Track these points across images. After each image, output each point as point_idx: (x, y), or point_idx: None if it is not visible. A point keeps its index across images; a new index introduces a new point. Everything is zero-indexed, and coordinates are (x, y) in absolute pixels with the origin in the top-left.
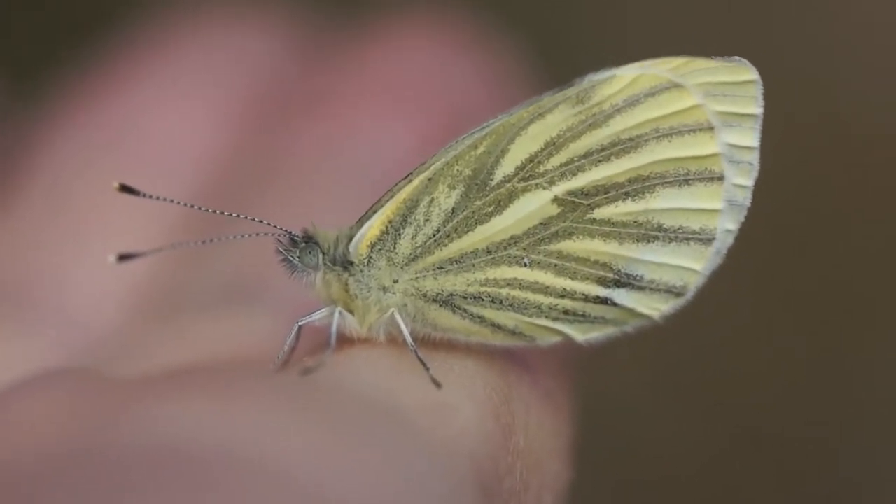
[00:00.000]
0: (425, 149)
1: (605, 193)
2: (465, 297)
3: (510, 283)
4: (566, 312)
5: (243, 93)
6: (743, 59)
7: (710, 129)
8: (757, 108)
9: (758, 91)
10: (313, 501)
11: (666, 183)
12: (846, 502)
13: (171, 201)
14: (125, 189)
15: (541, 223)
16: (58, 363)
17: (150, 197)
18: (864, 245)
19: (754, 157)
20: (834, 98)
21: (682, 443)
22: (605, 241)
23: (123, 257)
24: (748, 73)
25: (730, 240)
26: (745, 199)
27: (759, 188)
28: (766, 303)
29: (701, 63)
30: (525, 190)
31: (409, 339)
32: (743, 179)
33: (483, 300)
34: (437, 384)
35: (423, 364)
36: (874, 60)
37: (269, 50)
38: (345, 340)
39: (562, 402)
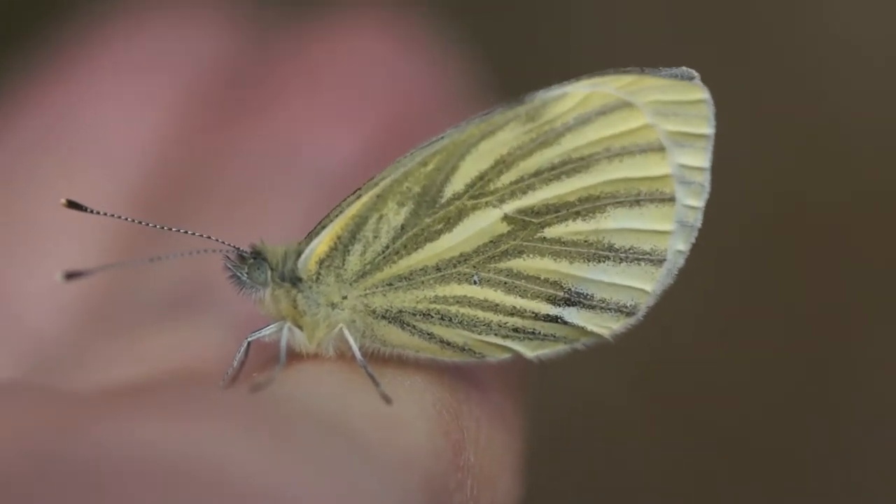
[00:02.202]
0: (372, 153)
1: (556, 212)
2: (414, 314)
3: (459, 301)
4: (516, 330)
5: (189, 89)
6: (691, 70)
7: (662, 149)
8: (709, 129)
9: (709, 111)
10: None
11: (617, 203)
12: None
13: (119, 217)
14: (73, 205)
15: (491, 241)
16: (6, 370)
17: (98, 213)
18: (850, 249)
19: (705, 179)
20: (824, 103)
21: (666, 449)
22: (555, 259)
23: (71, 275)
24: (699, 91)
25: (681, 260)
26: (696, 220)
27: (745, 193)
28: (751, 308)
29: (651, 81)
30: (475, 208)
31: (358, 354)
32: (693, 201)
33: (432, 317)
34: (388, 399)
35: (374, 379)
36: (867, 63)
37: (216, 46)
38: (294, 356)
39: (512, 417)
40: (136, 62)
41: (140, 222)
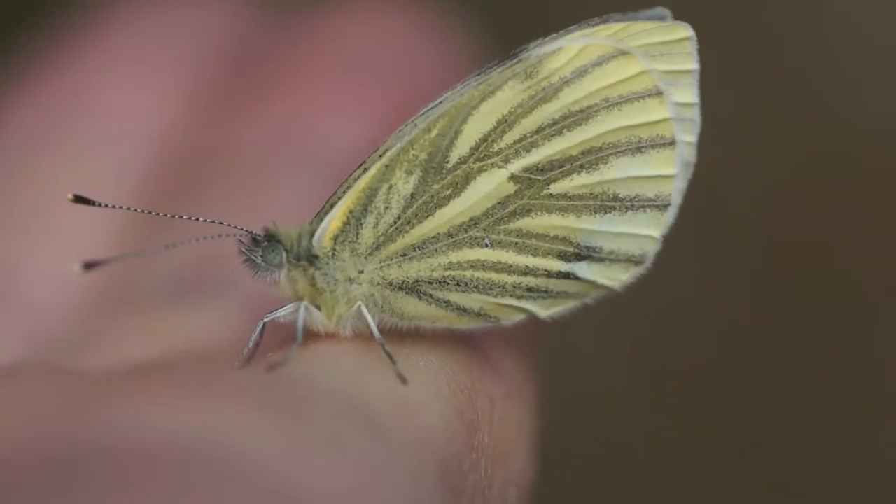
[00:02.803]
0: (380, 138)
1: (560, 168)
2: (430, 283)
3: (473, 265)
4: (530, 290)
5: (194, 74)
6: (665, 10)
7: (659, 94)
8: (694, 64)
9: (692, 47)
10: (280, 498)
11: (619, 152)
12: (830, 495)
13: (128, 209)
14: (79, 200)
15: (499, 202)
16: (17, 352)
17: (105, 205)
18: (852, 239)
19: (696, 113)
20: (827, 99)
21: (666, 433)
22: (562, 215)
23: (88, 266)
24: (683, 30)
25: (678, 198)
26: (691, 155)
27: (750, 186)
28: (753, 296)
29: (639, 25)
30: (481, 170)
31: (376, 332)
32: (687, 136)
33: (448, 284)
34: (403, 380)
35: (391, 358)
36: (867, 62)
37: (221, 31)
38: (310, 336)
39: (525, 397)
40: (141, 48)
41: (149, 212)
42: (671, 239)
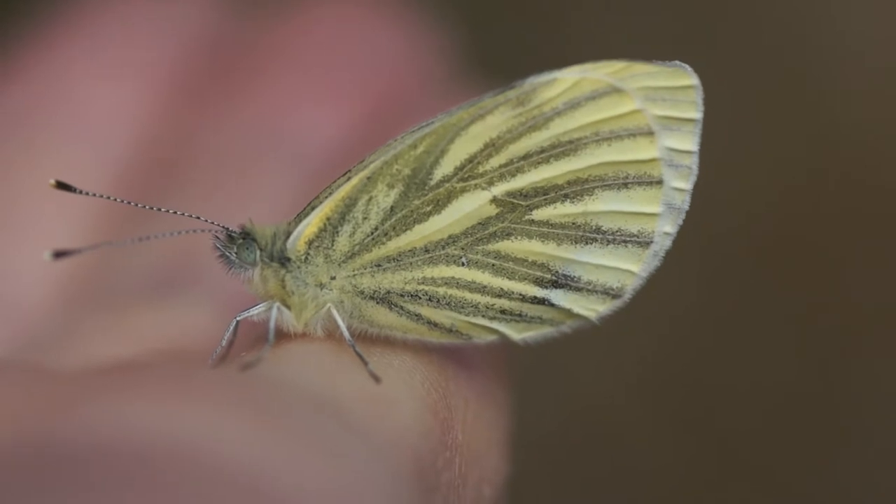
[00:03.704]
0: (356, 133)
1: (544, 195)
2: (402, 295)
3: (447, 282)
4: (503, 312)
5: (172, 66)
6: (683, 64)
7: (650, 133)
8: (697, 113)
9: (698, 96)
10: (257, 498)
11: (605, 186)
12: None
13: (108, 198)
14: (61, 186)
15: (479, 223)
16: None
17: (86, 194)
18: (851, 250)
19: (693, 161)
20: (827, 104)
21: (666, 451)
22: (543, 241)
23: (59, 254)
24: (688, 78)
25: (668, 242)
26: (684, 202)
27: (746, 194)
28: (750, 309)
29: (641, 67)
30: (464, 190)
31: (346, 333)
32: (681, 183)
33: (420, 298)
34: (377, 379)
35: (362, 359)
36: (868, 64)
37: (200, 22)
38: (283, 335)
39: (499, 396)
40: (119, 39)
41: (129, 203)
42: (671, 247)
